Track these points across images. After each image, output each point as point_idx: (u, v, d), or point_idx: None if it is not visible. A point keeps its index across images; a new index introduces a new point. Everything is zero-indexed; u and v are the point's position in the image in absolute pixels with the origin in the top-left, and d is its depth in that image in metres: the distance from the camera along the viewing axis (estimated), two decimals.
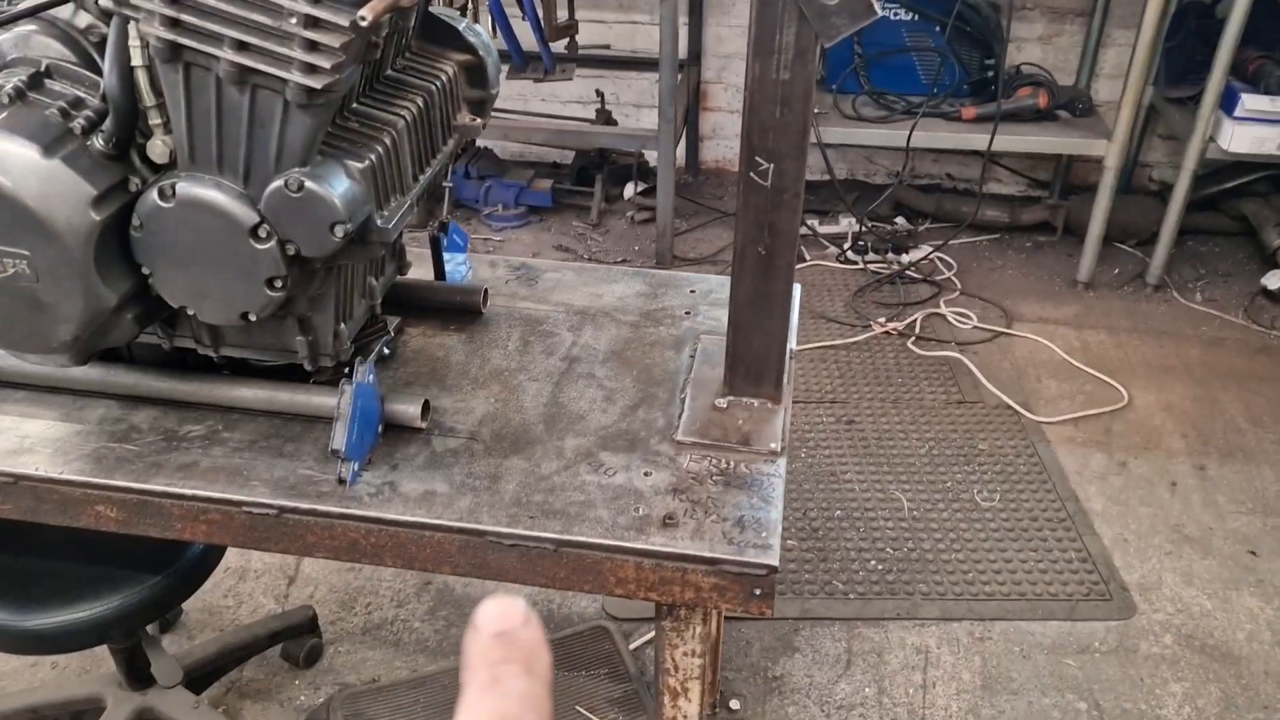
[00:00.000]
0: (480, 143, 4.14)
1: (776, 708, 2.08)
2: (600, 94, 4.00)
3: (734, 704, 2.08)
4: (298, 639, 2.09)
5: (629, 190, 4.14)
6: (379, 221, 1.13)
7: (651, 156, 4.12)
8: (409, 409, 1.28)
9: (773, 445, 1.28)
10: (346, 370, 1.32)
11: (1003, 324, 3.39)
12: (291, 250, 1.08)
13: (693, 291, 1.62)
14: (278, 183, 1.04)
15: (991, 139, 3.27)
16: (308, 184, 1.04)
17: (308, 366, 1.28)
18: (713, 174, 4.43)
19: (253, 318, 1.14)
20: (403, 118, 1.20)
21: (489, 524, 1.16)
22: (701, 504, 1.20)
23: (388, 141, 1.16)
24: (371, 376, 1.24)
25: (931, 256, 3.67)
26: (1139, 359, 3.23)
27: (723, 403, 1.34)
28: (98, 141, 1.06)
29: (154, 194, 1.06)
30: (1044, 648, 2.22)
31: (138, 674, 1.84)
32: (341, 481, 1.21)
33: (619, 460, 1.26)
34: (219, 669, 2.00)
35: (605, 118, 3.97)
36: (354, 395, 1.20)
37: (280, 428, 1.30)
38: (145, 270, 1.12)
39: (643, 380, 1.41)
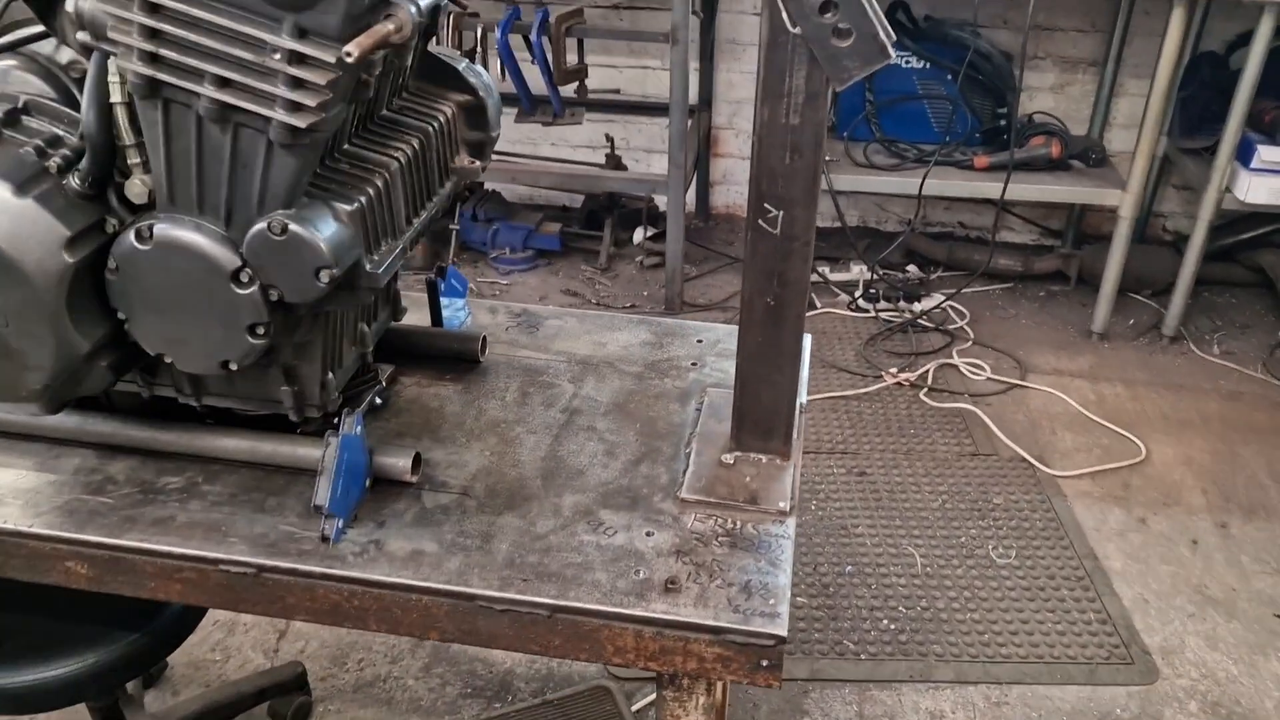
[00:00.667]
0: (488, 185, 4.11)
1: None
2: (610, 139, 3.97)
3: None
4: (286, 696, 2.01)
5: (638, 235, 4.11)
6: (368, 267, 1.08)
7: (661, 201, 4.09)
8: (398, 462, 1.22)
9: (781, 504, 1.21)
10: (335, 421, 1.26)
11: (1016, 375, 3.32)
12: (275, 296, 1.03)
13: (699, 341, 1.56)
14: (260, 225, 0.99)
15: (1005, 188, 3.23)
16: (291, 226, 0.99)
17: (293, 418, 1.22)
18: (723, 219, 4.39)
19: (234, 366, 1.08)
20: (396, 159, 1.15)
21: (479, 587, 1.09)
22: (706, 567, 1.13)
23: (379, 184, 1.11)
24: (359, 428, 1.18)
25: (944, 305, 3.61)
26: (1156, 412, 3.15)
27: (729, 459, 1.28)
28: (74, 181, 1.01)
29: (131, 235, 1.01)
30: (1063, 713, 2.13)
31: None
32: (325, 539, 1.14)
33: (620, 519, 1.19)
34: None
35: (615, 162, 3.94)
36: (339, 448, 1.13)
37: (263, 480, 1.24)
38: (121, 315, 1.06)
39: (646, 434, 1.35)
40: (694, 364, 1.50)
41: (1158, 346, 3.52)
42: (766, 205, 1.12)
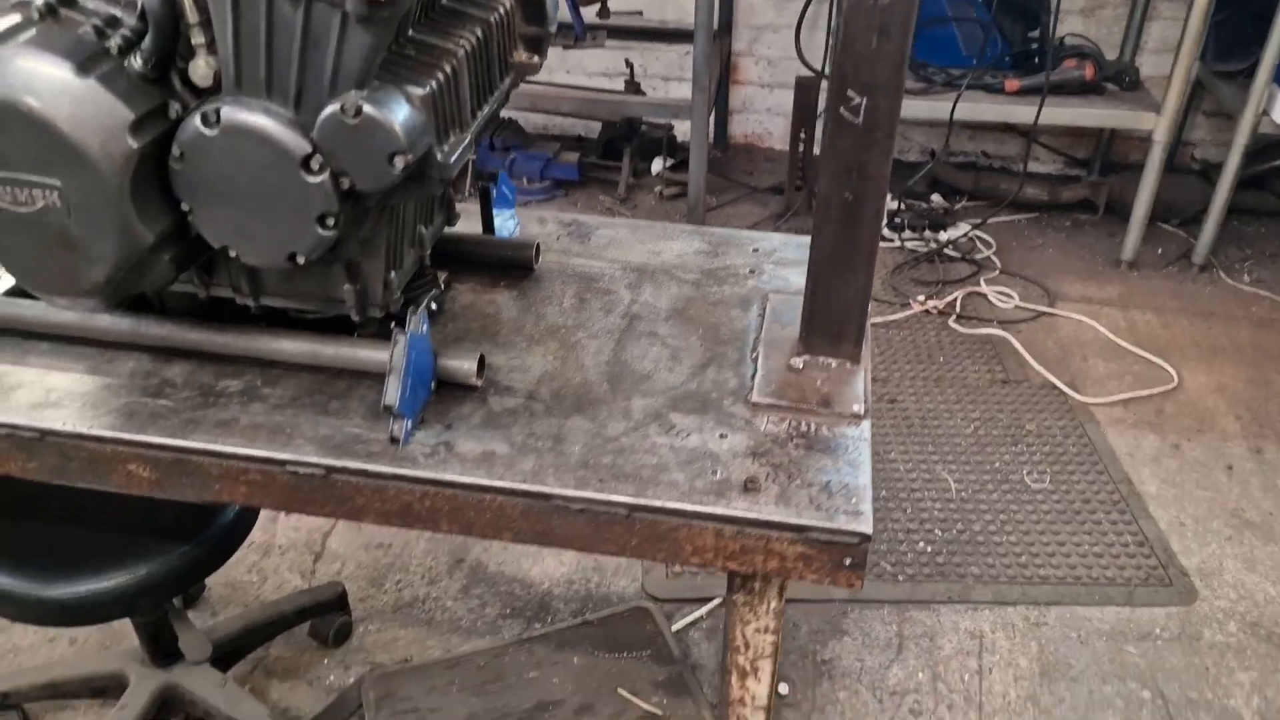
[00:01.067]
0: (504, 113, 4.04)
1: (827, 692, 1.99)
2: (630, 64, 3.89)
3: (783, 688, 1.99)
4: (326, 616, 2.01)
5: (657, 165, 4.04)
6: (439, 156, 1.04)
7: (681, 131, 4.02)
8: (464, 364, 1.19)
9: (855, 408, 1.19)
10: (391, 324, 1.23)
11: (1045, 303, 3.29)
12: (346, 184, 0.99)
13: (755, 250, 1.52)
14: (333, 108, 0.95)
15: (1039, 111, 3.16)
16: (366, 109, 0.94)
17: (355, 317, 1.19)
18: (742, 149, 4.32)
19: (300, 260, 1.04)
20: (462, 47, 1.11)
21: (555, 486, 1.07)
22: (784, 468, 1.10)
23: (448, 70, 1.06)
24: (425, 327, 1.15)
25: (970, 234, 3.56)
26: (1187, 340, 3.12)
27: (798, 363, 1.25)
28: (135, 62, 0.96)
29: (196, 121, 0.97)
30: (1103, 634, 2.12)
31: (162, 649, 1.76)
32: (394, 440, 1.11)
33: (691, 422, 1.17)
34: (245, 646, 1.92)
35: (634, 89, 3.87)
36: (408, 347, 1.10)
37: (324, 384, 1.21)
38: (184, 206, 1.02)
39: (709, 339, 1.32)
40: (751, 271, 1.47)
41: (1187, 275, 3.48)
42: (850, 93, 1.08)
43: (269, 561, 2.25)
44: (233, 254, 1.05)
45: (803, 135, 3.62)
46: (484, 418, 1.17)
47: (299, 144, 0.97)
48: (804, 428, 1.16)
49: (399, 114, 0.97)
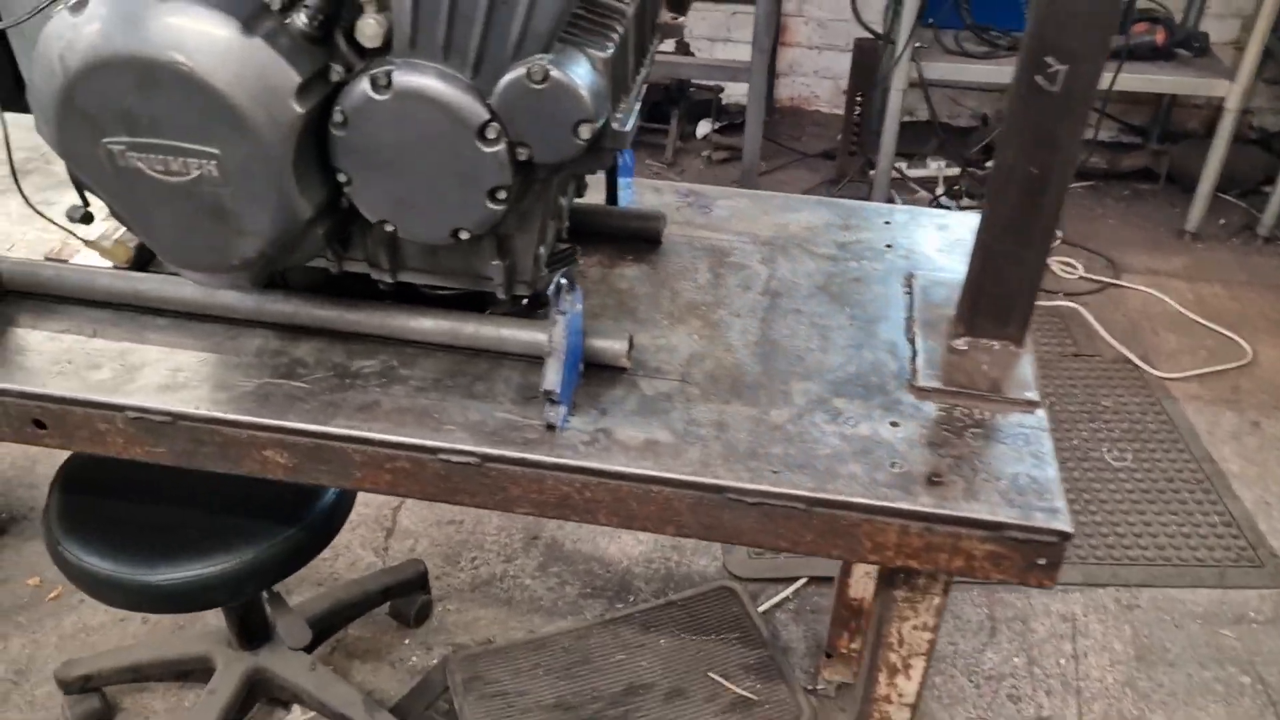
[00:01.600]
0: None
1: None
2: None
3: None
4: (408, 595, 1.95)
5: (703, 128, 3.95)
6: (614, 124, 0.96)
7: (729, 94, 3.93)
8: (614, 345, 1.12)
9: (1028, 394, 1.12)
10: (524, 301, 1.16)
11: (1110, 275, 3.21)
12: (523, 155, 0.92)
13: (887, 223, 1.45)
14: (517, 72, 0.87)
15: (1115, 77, 3.06)
16: (553, 74, 0.87)
17: (501, 295, 1.12)
18: (789, 113, 4.22)
19: (464, 236, 0.97)
20: (629, 6, 1.03)
21: (728, 478, 1.01)
22: (966, 460, 1.04)
23: (620, 30, 0.98)
24: (579, 306, 1.08)
25: None
26: (1258, 313, 3.06)
27: (961, 344, 1.18)
28: (299, 20, 0.88)
29: (364, 84, 0.89)
30: (1196, 617, 2.08)
31: (250, 632, 1.70)
32: (550, 427, 1.05)
33: (857, 408, 1.10)
34: (330, 627, 1.86)
35: (684, 50, 3.76)
36: (566, 328, 1.04)
37: (463, 364, 1.14)
38: (342, 177, 0.95)
39: (858, 318, 1.25)
40: (888, 246, 1.40)
41: (1253, 247, 3.40)
42: (1049, 59, 1.00)
43: (340, 538, 2.17)
44: (389, 228, 0.98)
45: (859, 99, 3.52)
46: (639, 403, 1.10)
47: (476, 111, 0.89)
48: (977, 415, 1.10)
49: (585, 79, 0.89)
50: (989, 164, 3.65)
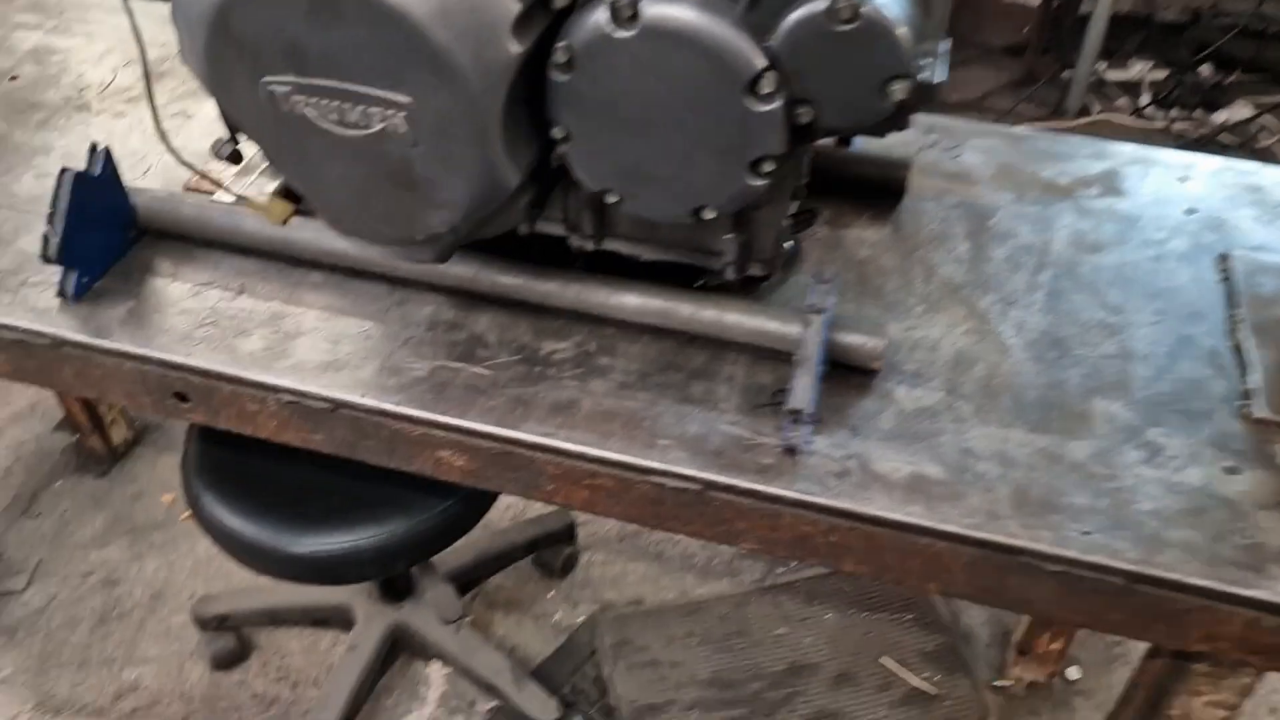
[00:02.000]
0: None
1: (1122, 679, 1.72)
2: None
3: (1072, 672, 1.73)
4: (554, 547, 1.80)
5: None
6: (923, 75, 0.71)
7: None
8: (866, 343, 0.89)
9: None
10: (742, 278, 0.93)
11: None
12: (804, 118, 0.68)
13: (1182, 179, 1.17)
14: (815, 7, 0.63)
15: None
16: (865, 9, 0.62)
17: (731, 275, 0.89)
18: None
19: (709, 215, 0.75)
20: None
21: (1024, 537, 0.79)
22: None
23: None
24: (832, 300, 0.85)
25: (1258, 118, 3.04)
26: None
27: None
28: None
29: (601, 15, 0.66)
30: None
31: (394, 588, 1.58)
32: (790, 451, 0.84)
33: (1180, 445, 0.86)
34: (474, 580, 1.73)
35: None
36: (821, 329, 0.81)
37: (674, 353, 0.93)
38: (558, 132, 0.73)
39: (1165, 314, 0.99)
40: (1189, 211, 1.12)
41: None
42: None
43: None
44: (611, 199, 0.76)
45: None
46: (897, 420, 0.88)
47: (750, 58, 0.66)
48: None
49: (904, 17, 0.64)
50: (1202, 68, 3.23)
